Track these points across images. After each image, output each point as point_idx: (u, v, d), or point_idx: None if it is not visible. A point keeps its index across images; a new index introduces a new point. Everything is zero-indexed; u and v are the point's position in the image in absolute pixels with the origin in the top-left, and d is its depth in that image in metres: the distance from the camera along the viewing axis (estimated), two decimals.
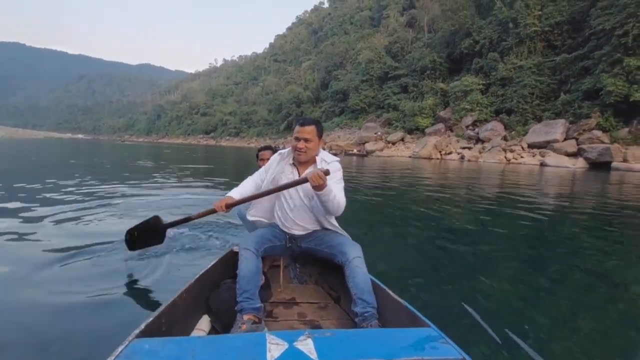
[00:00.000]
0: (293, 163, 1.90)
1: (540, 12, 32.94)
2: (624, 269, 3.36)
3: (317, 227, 1.93)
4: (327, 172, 1.60)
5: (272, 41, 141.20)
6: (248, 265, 1.68)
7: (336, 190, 1.77)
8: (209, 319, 1.68)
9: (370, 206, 6.41)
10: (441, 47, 44.50)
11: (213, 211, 1.89)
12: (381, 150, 34.56)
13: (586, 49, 27.73)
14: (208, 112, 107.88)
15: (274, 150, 2.69)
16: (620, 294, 2.76)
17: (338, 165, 1.88)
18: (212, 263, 1.90)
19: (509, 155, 26.60)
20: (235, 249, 2.00)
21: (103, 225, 4.07)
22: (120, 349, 1.05)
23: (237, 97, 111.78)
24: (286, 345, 1.09)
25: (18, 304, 2.09)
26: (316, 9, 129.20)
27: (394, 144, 37.48)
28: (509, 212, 6.17)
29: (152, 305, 2.02)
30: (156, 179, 9.09)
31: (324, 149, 2.00)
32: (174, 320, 1.42)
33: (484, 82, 35.18)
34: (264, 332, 1.19)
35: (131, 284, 2.39)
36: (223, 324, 1.65)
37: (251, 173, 2.13)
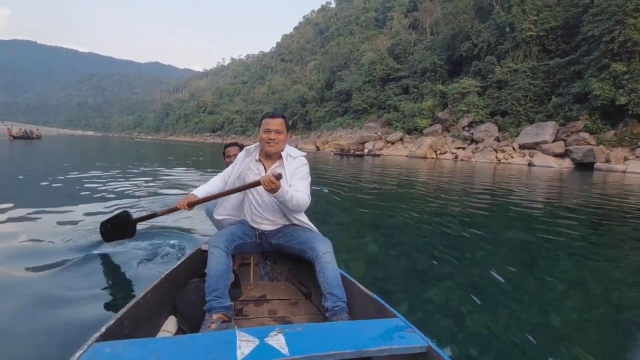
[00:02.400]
0: (259, 159, 1.91)
1: (536, 18, 34.00)
2: (602, 261, 3.60)
3: (287, 222, 1.93)
4: (279, 177, 1.62)
5: (280, 41, 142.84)
6: (218, 263, 1.66)
7: (301, 187, 1.82)
8: (175, 320, 1.64)
9: (358, 202, 6.88)
10: (442, 50, 45.72)
11: (176, 209, 1.92)
12: (380, 150, 35.92)
13: (578, 54, 28.79)
14: (215, 111, 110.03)
15: (241, 147, 2.69)
16: (599, 286, 2.93)
17: (304, 161, 1.91)
18: (179, 262, 1.86)
19: (500, 155, 27.81)
20: (204, 247, 1.94)
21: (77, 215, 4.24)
22: (78, 354, 0.99)
23: (244, 96, 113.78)
24: (257, 342, 1.08)
25: None
26: (323, 9, 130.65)
27: (393, 144, 38.83)
28: (491, 205, 6.82)
29: (114, 307, 1.88)
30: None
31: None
32: (138, 322, 1.37)
33: (482, 85, 36.33)
34: (234, 330, 1.17)
35: (92, 285, 2.23)
36: (191, 325, 1.60)
37: None
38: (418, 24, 59.15)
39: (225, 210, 1.98)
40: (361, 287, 1.65)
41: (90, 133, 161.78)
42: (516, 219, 5.63)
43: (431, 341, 1.19)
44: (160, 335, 1.53)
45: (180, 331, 1.60)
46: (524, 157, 26.90)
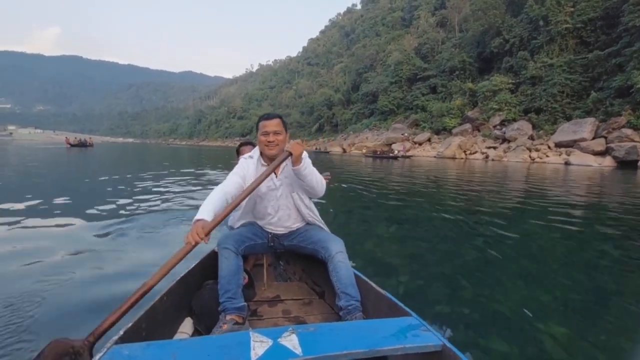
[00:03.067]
0: (264, 164, 1.84)
1: (572, 9, 32.39)
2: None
3: (301, 225, 1.92)
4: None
5: (306, 45, 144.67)
6: (228, 264, 1.67)
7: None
8: (191, 321, 1.66)
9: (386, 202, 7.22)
10: (471, 47, 44.58)
11: (188, 251, 1.39)
12: (407, 150, 35.63)
13: (619, 45, 27.12)
14: (244, 116, 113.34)
15: (255, 145, 2.57)
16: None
17: (305, 154, 1.91)
18: (193, 264, 1.86)
19: (534, 154, 26.75)
20: (217, 249, 1.90)
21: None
22: (98, 356, 1.02)
23: (272, 101, 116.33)
24: (270, 342, 1.09)
25: None
26: (349, 11, 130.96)
27: (420, 144, 38.35)
28: (525, 206, 6.54)
29: (131, 309, 1.90)
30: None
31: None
32: (155, 324, 1.38)
33: (514, 82, 35.07)
34: (247, 332, 1.18)
35: (107, 288, 2.29)
36: (207, 326, 1.62)
37: None
38: (446, 21, 57.94)
39: (242, 218, 1.94)
40: (374, 285, 1.65)
41: (130, 140, 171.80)
42: (553, 222, 5.14)
43: (446, 339, 1.18)
44: (177, 336, 1.55)
45: (197, 332, 1.63)
46: (559, 155, 25.73)
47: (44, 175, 10.63)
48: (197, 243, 1.42)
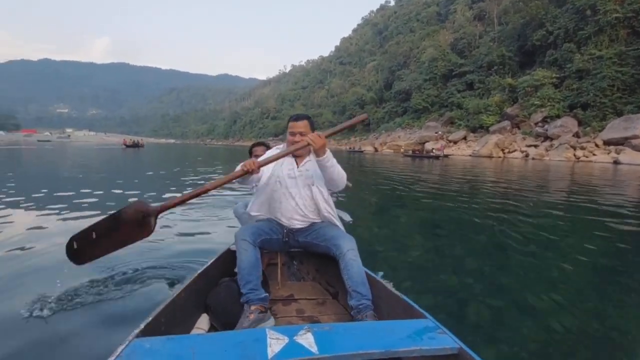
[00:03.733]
0: (290, 155, 1.91)
1: None
2: None
3: (317, 219, 1.97)
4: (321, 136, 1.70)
5: (338, 44, 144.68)
6: (247, 256, 1.69)
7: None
8: (207, 317, 1.69)
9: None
10: (511, 41, 42.66)
11: (240, 175, 1.67)
12: (439, 149, 34.85)
13: None
14: (277, 116, 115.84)
15: (268, 146, 2.68)
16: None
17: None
18: (210, 262, 1.90)
19: (579, 152, 25.25)
20: (233, 247, 1.94)
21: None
22: (120, 348, 1.05)
23: (304, 101, 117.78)
24: (287, 340, 1.11)
25: (11, 307, 2.05)
26: (382, 8, 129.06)
27: (455, 142, 37.36)
28: (570, 208, 6.14)
29: (151, 304, 1.96)
30: None
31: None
32: (174, 319, 1.42)
33: (558, 76, 33.16)
34: (264, 328, 1.20)
35: (127, 283, 2.38)
36: (222, 323, 1.65)
37: None
38: (484, 14, 55.69)
39: (259, 207, 1.98)
40: (388, 286, 1.65)
41: (172, 141, 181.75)
42: (599, 228, 4.67)
43: (463, 342, 1.17)
44: (194, 332, 1.58)
45: (213, 328, 1.66)
46: (608, 154, 24.11)
47: (119, 169, 13.24)
48: (249, 170, 1.65)
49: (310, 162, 1.94)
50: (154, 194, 6.81)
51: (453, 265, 3.14)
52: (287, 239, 1.95)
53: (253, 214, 1.99)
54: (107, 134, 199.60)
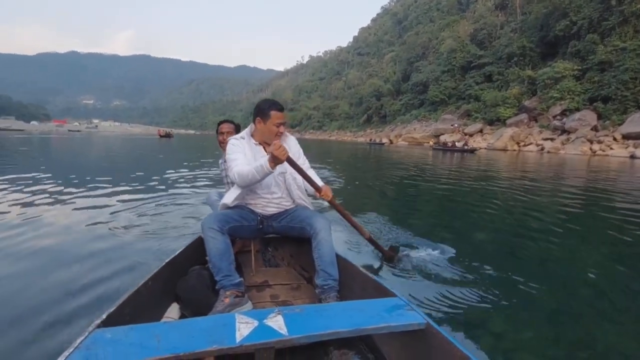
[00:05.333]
0: (257, 143, 1.92)
1: None
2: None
3: (291, 205, 1.96)
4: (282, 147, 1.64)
5: (356, 34, 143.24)
6: (215, 243, 1.66)
7: (307, 167, 1.95)
8: (178, 306, 1.63)
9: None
10: (533, 31, 41.73)
11: (271, 167, 1.66)
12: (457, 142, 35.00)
13: None
14: (294, 108, 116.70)
15: (236, 125, 2.63)
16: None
17: (294, 138, 2.03)
18: (179, 250, 1.85)
19: (595, 146, 25.02)
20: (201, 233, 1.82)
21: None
22: (80, 340, 0.99)
23: (321, 92, 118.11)
24: (256, 323, 1.09)
25: None
26: None
27: (471, 135, 37.30)
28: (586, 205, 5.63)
29: (114, 294, 1.86)
30: None
31: None
32: (139, 308, 1.36)
33: (580, 68, 32.49)
34: (233, 314, 1.17)
35: (90, 272, 2.25)
36: (193, 312, 1.58)
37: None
38: (507, 3, 54.36)
39: (232, 196, 1.88)
40: (360, 268, 1.69)
41: (191, 131, 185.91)
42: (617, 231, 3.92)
43: (430, 318, 1.20)
44: (163, 321, 1.52)
45: (183, 317, 1.59)
46: (625, 148, 23.84)
47: (173, 152, 15.66)
48: (279, 158, 1.62)
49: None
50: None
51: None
52: (261, 226, 1.93)
53: (227, 203, 1.89)
54: (130, 124, 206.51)
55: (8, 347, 1.48)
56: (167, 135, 46.09)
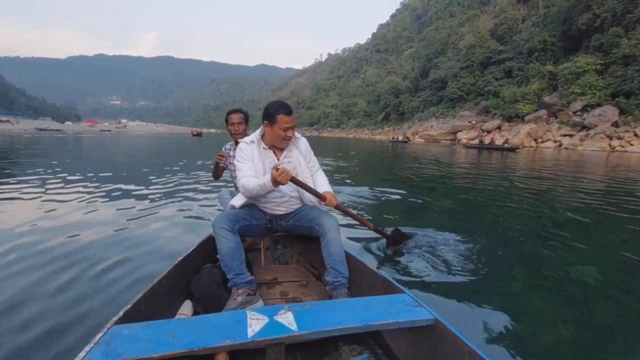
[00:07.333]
0: (267, 147, 1.90)
1: None
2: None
3: (300, 205, 1.97)
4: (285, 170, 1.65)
5: (375, 31, 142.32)
6: (226, 243, 1.69)
7: (319, 174, 2.01)
8: (191, 303, 1.68)
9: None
10: (555, 25, 40.93)
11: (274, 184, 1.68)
12: (473, 139, 35.02)
13: None
14: (313, 106, 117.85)
15: (246, 114, 2.62)
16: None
17: (305, 140, 2.00)
18: (192, 248, 1.89)
19: (615, 142, 24.68)
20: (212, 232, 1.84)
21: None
22: (99, 336, 1.04)
23: (339, 90, 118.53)
24: (267, 320, 1.12)
25: None
26: None
27: (488, 132, 37.17)
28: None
29: (130, 292, 1.94)
30: None
31: None
32: (155, 305, 1.41)
33: (602, 62, 31.81)
34: (245, 310, 1.21)
35: (106, 272, 2.31)
36: (206, 308, 1.63)
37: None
38: None
39: (241, 200, 1.90)
40: (368, 265, 1.71)
41: (213, 130, 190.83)
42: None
43: (438, 314, 1.19)
44: (177, 317, 1.55)
45: (196, 314, 1.63)
46: None
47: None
48: (281, 181, 1.63)
49: (291, 152, 1.92)
50: None
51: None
52: (270, 225, 1.95)
53: (235, 206, 1.91)
54: (156, 124, 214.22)
55: (33, 342, 1.54)
56: (198, 134, 51.31)
